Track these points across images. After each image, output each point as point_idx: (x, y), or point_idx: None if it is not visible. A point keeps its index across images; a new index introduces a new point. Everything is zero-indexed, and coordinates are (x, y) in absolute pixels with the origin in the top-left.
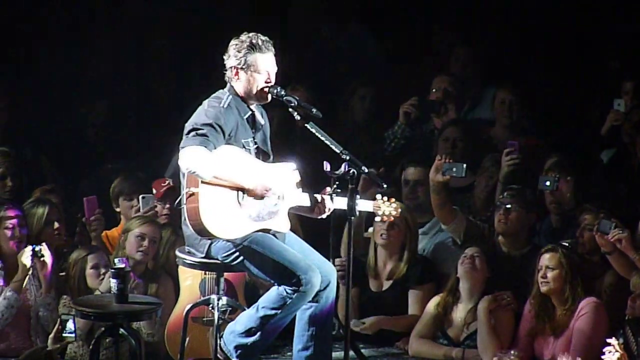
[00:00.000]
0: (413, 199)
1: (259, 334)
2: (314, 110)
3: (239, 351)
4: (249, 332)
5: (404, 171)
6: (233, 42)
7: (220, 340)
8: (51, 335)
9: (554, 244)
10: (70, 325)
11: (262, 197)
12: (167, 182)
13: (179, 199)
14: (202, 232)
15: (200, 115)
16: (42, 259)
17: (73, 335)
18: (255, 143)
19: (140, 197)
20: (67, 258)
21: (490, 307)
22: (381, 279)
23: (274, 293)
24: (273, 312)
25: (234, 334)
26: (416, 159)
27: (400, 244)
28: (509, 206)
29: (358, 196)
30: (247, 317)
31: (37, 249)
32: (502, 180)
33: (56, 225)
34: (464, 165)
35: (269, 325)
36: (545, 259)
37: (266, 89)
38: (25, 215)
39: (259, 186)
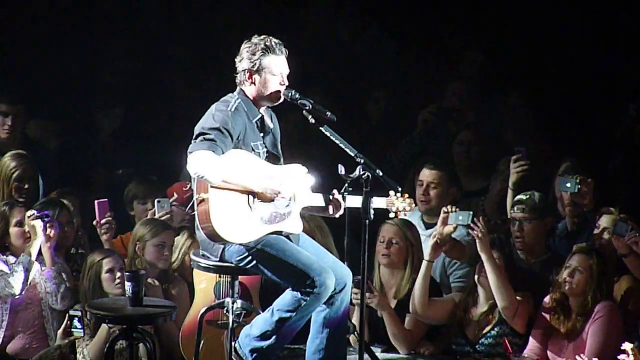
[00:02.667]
0: (425, 201)
1: (274, 337)
2: (329, 113)
3: (254, 355)
4: (264, 336)
5: (418, 173)
6: (245, 45)
7: (235, 344)
8: (60, 331)
9: (587, 245)
10: (77, 321)
11: (271, 200)
12: (187, 186)
13: (190, 204)
14: (214, 237)
15: (208, 119)
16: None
17: (81, 331)
18: (265, 146)
19: (156, 200)
20: (79, 261)
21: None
22: (388, 299)
23: (289, 296)
24: (288, 314)
25: (249, 337)
26: (433, 160)
27: (402, 261)
28: (523, 220)
29: (372, 199)
30: (262, 321)
31: (40, 214)
32: (512, 187)
33: (65, 228)
34: (470, 213)
35: (284, 329)
36: (576, 260)
37: (280, 91)
38: None
39: (269, 189)
